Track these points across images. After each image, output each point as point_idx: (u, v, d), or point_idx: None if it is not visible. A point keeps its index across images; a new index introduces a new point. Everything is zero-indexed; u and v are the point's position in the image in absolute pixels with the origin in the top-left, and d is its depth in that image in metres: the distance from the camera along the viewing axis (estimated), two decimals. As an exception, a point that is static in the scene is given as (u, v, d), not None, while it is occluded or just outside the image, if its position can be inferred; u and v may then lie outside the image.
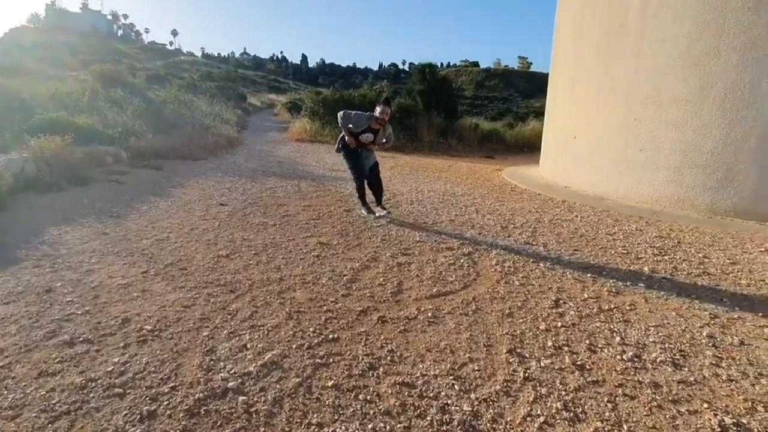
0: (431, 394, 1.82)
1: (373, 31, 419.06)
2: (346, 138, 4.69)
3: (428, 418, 1.68)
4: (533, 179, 8.43)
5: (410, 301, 2.76)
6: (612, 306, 2.80)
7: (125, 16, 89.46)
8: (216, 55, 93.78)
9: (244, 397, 1.74)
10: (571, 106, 7.94)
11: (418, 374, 1.96)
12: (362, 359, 2.06)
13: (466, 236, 4.32)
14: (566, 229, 4.80)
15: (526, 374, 1.99)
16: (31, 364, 1.93)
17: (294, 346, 2.14)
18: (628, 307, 2.79)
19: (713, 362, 2.18)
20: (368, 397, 1.79)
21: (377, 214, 4.85)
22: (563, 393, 1.87)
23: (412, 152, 12.77)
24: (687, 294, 3.08)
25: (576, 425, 1.69)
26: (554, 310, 2.69)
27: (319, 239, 3.99)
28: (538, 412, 1.75)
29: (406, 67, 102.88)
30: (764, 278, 3.45)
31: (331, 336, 2.26)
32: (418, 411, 1.72)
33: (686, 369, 2.12)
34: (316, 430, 1.61)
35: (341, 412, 1.70)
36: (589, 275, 3.36)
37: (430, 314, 2.56)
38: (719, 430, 1.69)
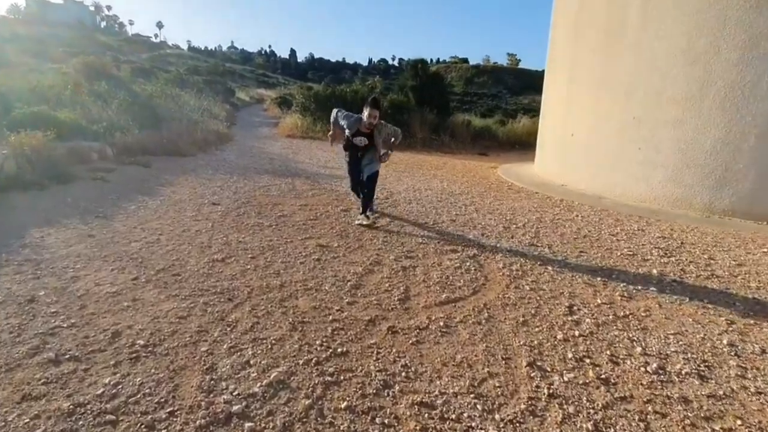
0: (453, 416, 1.69)
1: (362, 26, 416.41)
2: (339, 135, 4.48)
3: (452, 443, 1.56)
4: (529, 177, 8.37)
5: (419, 308, 2.62)
6: (627, 312, 2.71)
7: (108, 8, 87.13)
8: (202, 48, 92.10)
9: (250, 424, 1.59)
10: (568, 103, 7.87)
11: (437, 392, 1.83)
12: (375, 376, 1.92)
13: (469, 237, 4.20)
14: (569, 229, 4.72)
15: (551, 390, 1.88)
16: (13, 387, 1.75)
17: (301, 362, 1.99)
18: (643, 314, 2.70)
19: (738, 373, 2.10)
20: (386, 421, 1.65)
21: (356, 221, 4.43)
22: (592, 412, 1.76)
23: (405, 149, 12.60)
24: (699, 298, 3.00)
25: (609, 448, 1.58)
26: (569, 318, 2.58)
27: (319, 241, 3.83)
28: (568, 433, 1.64)
29: (396, 63, 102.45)
30: (773, 281, 3.40)
31: (339, 349, 2.11)
32: (440, 435, 1.60)
33: (713, 381, 2.03)
34: (331, 459, 1.47)
35: (357, 437, 1.57)
36: (599, 279, 3.27)
37: (441, 323, 2.43)
38: (758, 450, 1.60)
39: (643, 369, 2.09)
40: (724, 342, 2.40)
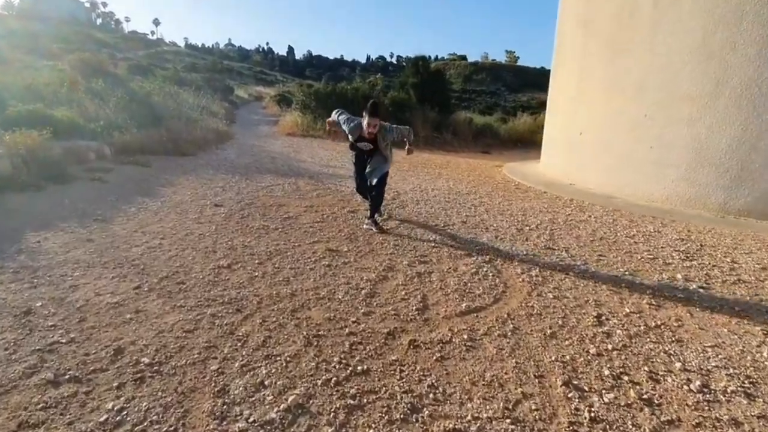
0: (491, 445, 1.55)
1: (360, 23, 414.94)
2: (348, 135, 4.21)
3: (492, 478, 1.41)
4: (536, 176, 8.22)
5: (440, 319, 2.47)
6: (658, 322, 2.56)
7: (104, 4, 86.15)
8: (200, 45, 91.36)
9: (269, 457, 1.44)
10: (576, 101, 7.72)
11: (469, 417, 1.68)
12: (401, 398, 1.77)
13: (482, 240, 4.05)
14: (584, 231, 4.57)
15: (592, 413, 1.73)
16: (9, 412, 1.60)
17: (319, 383, 1.84)
18: (675, 324, 2.56)
19: (787, 390, 1.96)
20: (418, 451, 1.51)
21: (364, 226, 4.24)
22: (640, 438, 1.62)
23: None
24: (730, 305, 2.87)
25: (664, 481, 1.44)
26: (599, 329, 2.44)
27: (327, 245, 3.68)
28: (617, 464, 1.49)
29: (394, 60, 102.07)
30: (803, 286, 3.26)
31: (359, 367, 1.96)
32: (479, 467, 1.45)
33: (760, 400, 1.89)
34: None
35: (388, 471, 1.42)
36: (623, 285, 3.13)
37: (465, 336, 2.28)
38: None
39: (686, 387, 1.94)
40: (765, 355, 2.26)
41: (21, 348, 2.00)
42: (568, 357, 2.14)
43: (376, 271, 3.14)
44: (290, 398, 1.73)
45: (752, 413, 1.80)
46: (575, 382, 1.93)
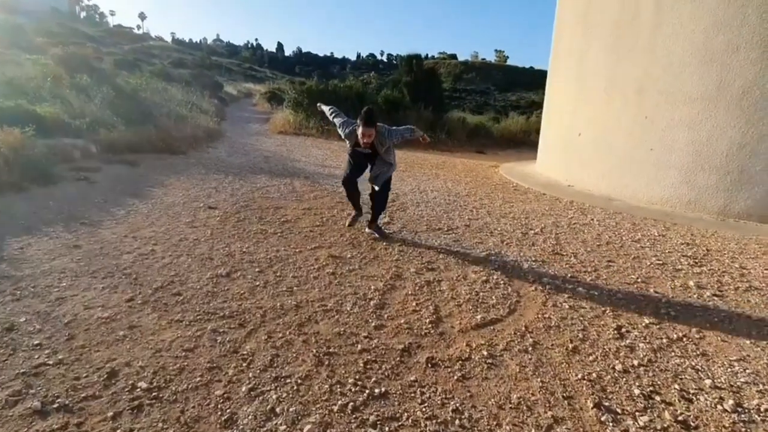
0: (528, 480, 1.42)
1: (350, 21, 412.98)
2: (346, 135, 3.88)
3: None
4: (533, 177, 8.16)
5: (455, 333, 2.35)
6: (680, 334, 2.47)
7: None
8: (187, 41, 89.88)
9: (288, 500, 1.30)
10: (575, 102, 7.66)
11: (501, 446, 1.56)
12: (426, 426, 1.64)
13: (488, 245, 3.94)
14: (589, 235, 4.49)
15: (629, 440, 1.62)
16: (-14, 449, 1.42)
17: (335, 408, 1.70)
18: (697, 336, 2.47)
19: (822, 409, 1.88)
20: (450, 490, 1.37)
21: (366, 230, 4.09)
22: (684, 468, 1.51)
23: (403, 146, 12.30)
24: (747, 314, 2.80)
25: None
26: (621, 343, 2.34)
27: (330, 251, 3.52)
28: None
29: (384, 58, 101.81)
30: (815, 293, 3.22)
31: (377, 390, 1.82)
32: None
33: (798, 420, 1.80)
34: None
35: None
36: (637, 293, 3.04)
37: (485, 352, 2.15)
38: None
39: (720, 407, 1.85)
40: (792, 369, 2.18)
41: (3, 371, 1.81)
42: (594, 375, 2.03)
43: (384, 280, 3.00)
44: (306, 428, 1.58)
45: (792, 436, 1.71)
46: (606, 404, 1.82)
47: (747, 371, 2.14)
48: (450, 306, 2.67)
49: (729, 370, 2.14)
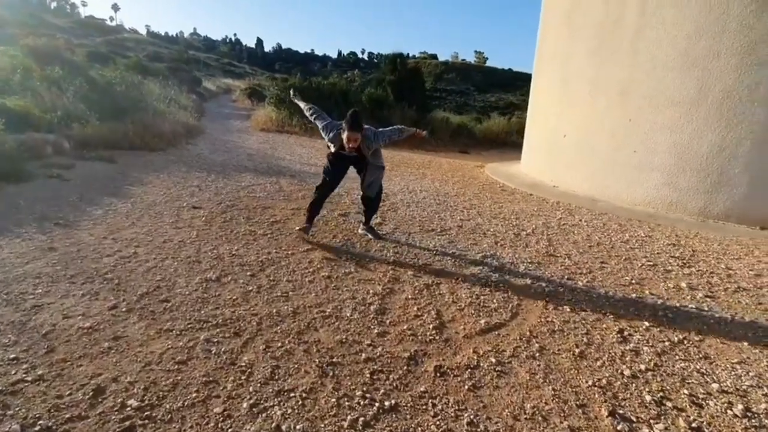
0: (553, 497, 1.36)
1: (331, 18, 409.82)
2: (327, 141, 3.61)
3: None
4: (519, 177, 8.21)
5: (461, 339, 2.28)
6: (681, 337, 2.48)
7: None
8: (163, 34, 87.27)
9: None
10: (560, 104, 7.74)
11: (520, 460, 1.49)
12: (441, 440, 1.56)
13: (483, 246, 3.90)
14: (579, 236, 4.52)
15: (648, 450, 1.59)
16: (-44, 482, 1.27)
17: (345, 425, 1.60)
18: (697, 338, 2.49)
19: (825, 412, 1.90)
20: None
21: (360, 230, 3.96)
22: (705, 478, 1.48)
23: (387, 145, 12.22)
24: (740, 316, 2.84)
25: None
26: (625, 347, 2.32)
27: (324, 253, 3.41)
28: None
29: (366, 57, 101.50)
30: (800, 294, 3.31)
31: (387, 403, 1.74)
32: None
33: (804, 424, 1.81)
34: None
35: None
36: (634, 295, 3.05)
37: (493, 359, 2.09)
38: None
39: (730, 412, 1.84)
40: (791, 371, 2.21)
41: (-27, 390, 1.64)
42: (604, 381, 1.99)
43: (382, 283, 2.92)
44: (315, 447, 1.48)
45: (801, 440, 1.72)
46: (620, 411, 1.79)
47: (750, 374, 2.15)
48: (452, 310, 2.60)
49: (733, 373, 2.15)
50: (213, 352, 1.99)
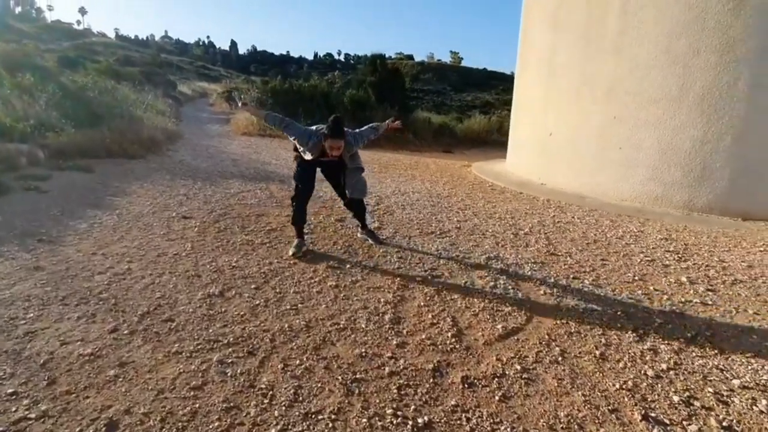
0: None
1: (305, 19, 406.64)
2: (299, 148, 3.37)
3: None
4: (506, 176, 8.28)
5: (481, 346, 2.24)
6: (693, 333, 2.50)
7: None
8: (133, 37, 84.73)
9: None
10: (545, 103, 7.84)
11: (565, 473, 1.46)
12: (483, 457, 1.51)
13: (485, 248, 3.88)
14: (575, 233, 4.56)
15: (687, 453, 1.58)
16: None
17: (381, 446, 1.53)
18: (708, 333, 2.52)
19: (842, 402, 1.93)
20: None
21: (359, 234, 3.90)
22: (748, 480, 1.48)
23: (372, 147, 12.12)
24: (743, 308, 2.89)
25: None
26: (644, 346, 2.32)
27: (327, 261, 3.32)
28: None
29: (342, 58, 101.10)
30: (793, 283, 3.41)
31: (420, 420, 1.67)
32: None
33: (826, 416, 1.84)
34: None
35: None
36: (639, 292, 3.08)
37: (518, 366, 2.06)
38: None
39: (756, 408, 1.86)
40: (802, 362, 2.25)
41: (-31, 431, 1.50)
42: (630, 383, 1.98)
43: (391, 291, 2.85)
44: (355, 473, 1.40)
45: (826, 433, 1.74)
46: (652, 415, 1.77)
47: (766, 368, 2.18)
48: (467, 316, 2.56)
49: (750, 367, 2.18)
50: (229, 374, 1.89)
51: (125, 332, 2.18)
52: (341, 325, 2.37)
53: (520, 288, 3.02)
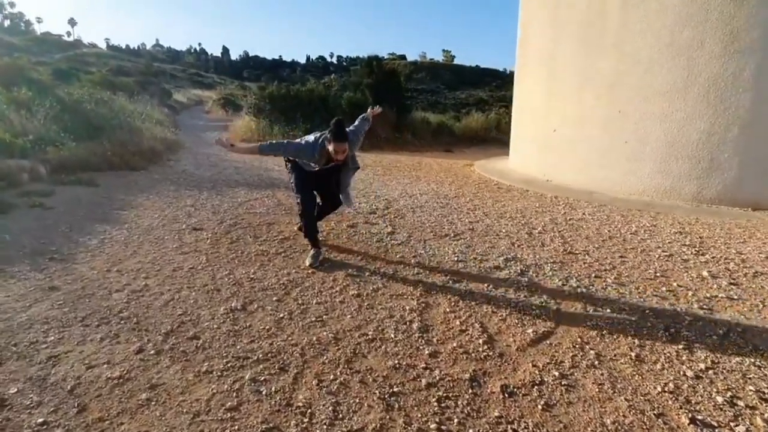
0: None
1: (296, 23, 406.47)
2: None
3: None
4: (510, 174, 8.25)
5: (515, 353, 2.20)
6: (725, 329, 2.47)
7: (12, 4, 76.22)
8: (124, 47, 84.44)
9: None
10: (548, 98, 7.82)
11: (623, 485, 1.42)
12: (536, 471, 1.47)
13: (501, 249, 3.84)
14: (589, 230, 4.53)
15: (742, 458, 1.54)
16: None
17: (430, 463, 1.49)
18: (738, 329, 2.49)
19: None
20: None
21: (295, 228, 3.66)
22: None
23: (372, 149, 12.11)
24: (769, 302, 2.87)
25: None
26: (678, 346, 2.29)
27: (345, 269, 3.27)
28: None
29: (335, 60, 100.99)
30: (815, 274, 3.38)
31: (465, 433, 1.63)
32: None
33: None
34: None
35: None
36: (663, 288, 3.04)
37: (555, 373, 2.02)
38: None
39: (802, 407, 1.82)
40: (838, 355, 2.22)
41: (4, 465, 1.44)
42: (671, 385, 1.95)
43: (415, 297, 2.81)
44: (409, 495, 1.36)
45: None
46: (699, 417, 1.74)
47: (803, 363, 2.15)
48: (495, 321, 2.52)
49: (787, 363, 2.14)
50: (263, 393, 1.84)
51: (151, 352, 2.13)
52: (370, 336, 2.32)
53: (543, 289, 2.99)
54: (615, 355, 2.18)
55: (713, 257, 3.76)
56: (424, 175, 8.16)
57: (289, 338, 2.29)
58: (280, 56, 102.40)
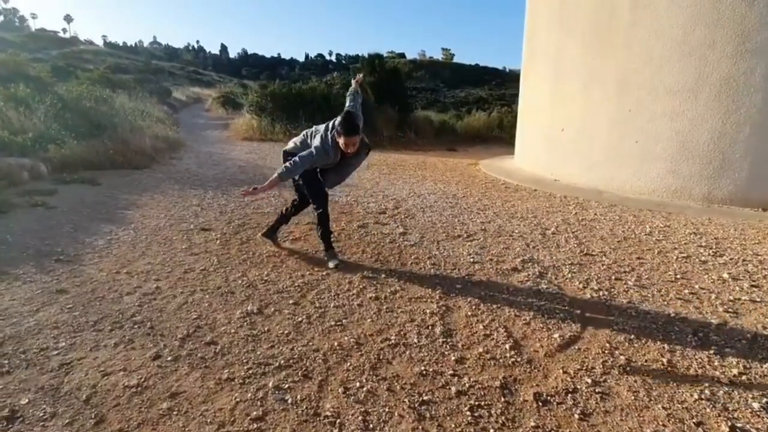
0: None
1: (294, 21, 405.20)
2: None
3: None
4: (517, 173, 8.19)
5: (543, 359, 2.13)
6: (752, 332, 2.42)
7: (5, 0, 75.95)
8: (121, 44, 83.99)
9: None
10: (555, 98, 7.75)
11: (674, 501, 1.35)
12: (582, 486, 1.40)
13: (516, 250, 3.78)
14: (602, 231, 4.47)
15: (794, 471, 1.48)
16: None
17: (470, 478, 1.42)
18: (764, 332, 2.43)
19: None
20: None
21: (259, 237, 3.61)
22: None
23: (375, 148, 12.01)
24: (794, 305, 2.81)
25: None
26: (708, 351, 2.23)
27: (360, 271, 3.20)
28: None
29: (333, 58, 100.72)
30: (836, 276, 3.33)
31: (503, 445, 1.57)
32: None
33: None
34: None
35: None
36: (686, 291, 2.99)
37: (588, 380, 1.96)
38: None
39: None
40: None
41: (22, 481, 1.37)
42: (707, 392, 1.89)
43: (434, 300, 2.74)
44: None
45: None
46: (739, 425, 1.68)
47: (838, 369, 2.10)
48: (519, 325, 2.46)
49: (823, 370, 2.09)
50: (289, 401, 1.77)
51: (168, 359, 2.05)
52: (392, 341, 2.25)
53: (564, 292, 2.93)
54: (646, 361, 2.12)
55: (731, 259, 3.70)
56: (430, 174, 8.09)
57: (310, 343, 2.22)
58: (279, 54, 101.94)
